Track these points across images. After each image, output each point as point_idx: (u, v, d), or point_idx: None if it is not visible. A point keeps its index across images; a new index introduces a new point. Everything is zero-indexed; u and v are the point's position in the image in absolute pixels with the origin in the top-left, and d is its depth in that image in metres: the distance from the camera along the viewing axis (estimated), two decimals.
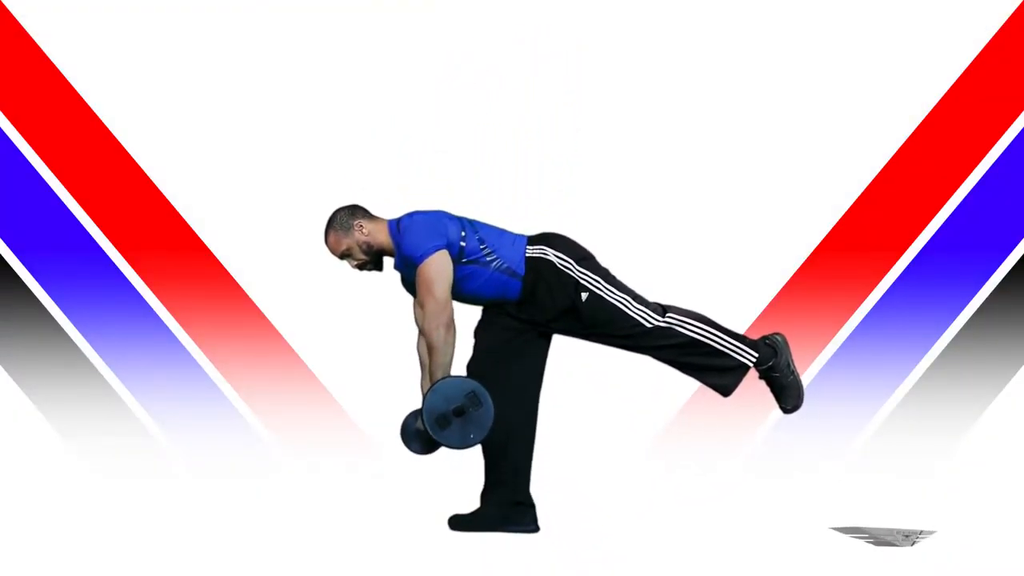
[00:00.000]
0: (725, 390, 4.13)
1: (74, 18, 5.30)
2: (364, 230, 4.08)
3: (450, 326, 3.93)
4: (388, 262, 4.17)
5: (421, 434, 4.06)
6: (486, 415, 3.86)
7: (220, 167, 5.37)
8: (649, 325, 4.04)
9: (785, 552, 3.86)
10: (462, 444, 3.89)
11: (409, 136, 5.28)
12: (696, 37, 5.40)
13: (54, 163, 5.30)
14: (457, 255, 3.98)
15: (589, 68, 5.42)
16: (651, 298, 4.11)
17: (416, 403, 4.12)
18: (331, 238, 4.10)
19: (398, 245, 4.03)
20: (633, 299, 4.06)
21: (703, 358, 4.07)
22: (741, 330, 5.19)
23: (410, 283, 4.08)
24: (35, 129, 5.29)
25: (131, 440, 5.21)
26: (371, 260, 4.10)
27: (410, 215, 4.05)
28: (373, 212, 4.14)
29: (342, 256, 4.12)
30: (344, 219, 4.09)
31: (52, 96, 5.28)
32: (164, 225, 5.32)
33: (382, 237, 4.07)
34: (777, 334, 4.17)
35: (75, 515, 4.49)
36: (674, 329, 4.05)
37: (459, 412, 3.86)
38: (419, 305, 3.97)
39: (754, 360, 4.09)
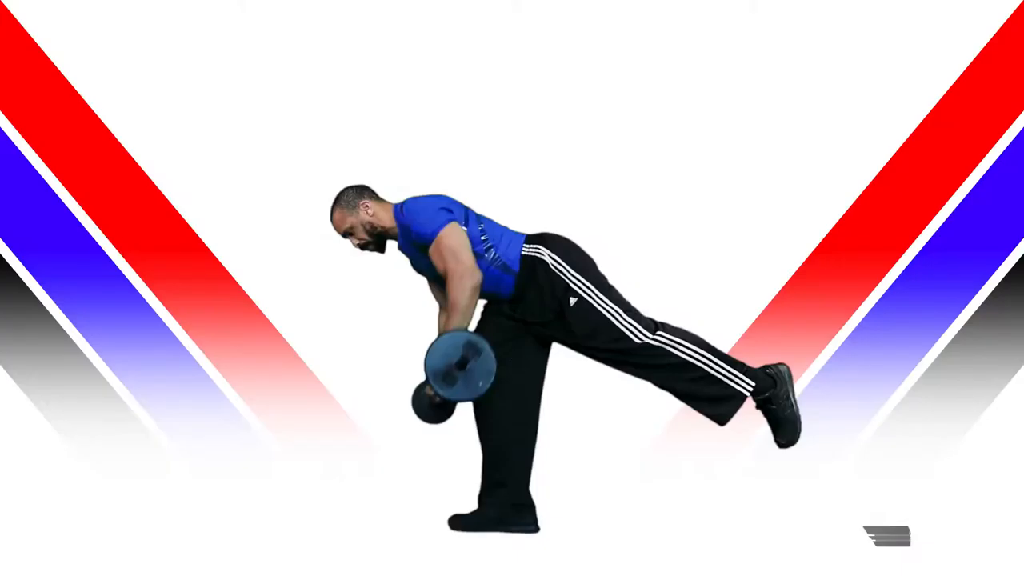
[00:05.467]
0: (720, 419, 4.02)
1: (74, 18, 5.30)
2: (369, 210, 4.08)
3: (476, 290, 3.92)
4: (391, 246, 4.16)
5: (431, 402, 4.05)
6: (488, 361, 3.85)
7: (220, 167, 5.37)
8: (638, 341, 3.96)
9: (785, 552, 3.86)
10: (472, 395, 3.89)
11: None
12: (695, 37, 5.40)
13: (54, 163, 5.30)
14: None
15: (587, 68, 5.42)
16: (647, 306, 4.06)
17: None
18: (336, 215, 4.11)
19: (404, 227, 4.02)
20: (625, 311, 3.98)
21: (696, 384, 3.97)
22: (742, 330, 5.25)
23: (420, 265, 4.07)
24: (35, 129, 5.29)
25: (131, 440, 5.21)
26: (373, 241, 4.11)
27: (414, 198, 4.06)
28: (381, 195, 4.15)
29: (345, 234, 4.12)
30: (351, 197, 4.10)
31: (52, 96, 5.28)
32: (164, 225, 5.33)
33: (386, 219, 4.08)
34: (781, 364, 4.06)
35: (75, 515, 4.49)
36: (665, 348, 3.96)
37: (462, 364, 3.86)
38: (445, 273, 3.93)
39: (751, 389, 3.98)
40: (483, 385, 3.87)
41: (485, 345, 3.86)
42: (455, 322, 3.89)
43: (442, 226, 3.94)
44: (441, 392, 3.87)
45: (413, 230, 3.98)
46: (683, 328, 4.03)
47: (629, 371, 4.04)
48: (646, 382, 4.06)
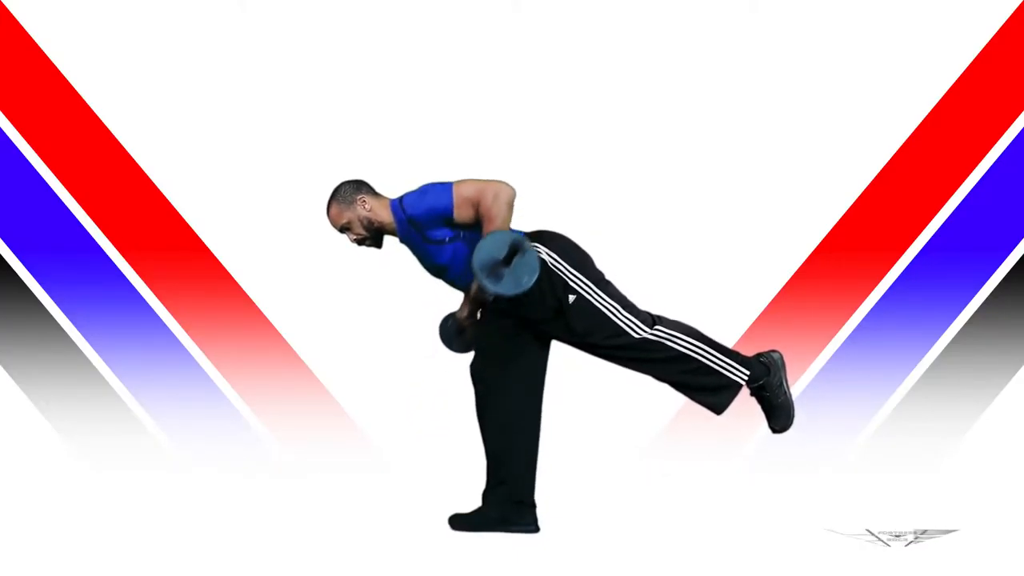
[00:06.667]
0: (716, 409, 4.03)
1: (74, 18, 5.31)
2: (367, 205, 4.08)
3: (512, 204, 3.93)
4: (388, 242, 4.16)
5: (459, 334, 4.19)
6: (531, 258, 3.87)
7: (220, 167, 5.37)
8: (636, 336, 3.96)
9: (785, 552, 3.86)
10: (518, 288, 3.87)
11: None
12: (695, 37, 5.40)
13: (54, 163, 5.30)
14: (456, 234, 3.98)
15: (587, 68, 5.42)
16: (648, 305, 4.06)
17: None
18: (333, 210, 4.11)
19: (407, 220, 4.00)
20: (623, 307, 3.98)
21: (692, 375, 3.98)
22: (742, 330, 5.25)
23: (422, 255, 4.06)
24: (35, 129, 5.29)
25: (131, 440, 5.22)
26: (370, 236, 4.10)
27: (410, 192, 4.05)
28: (378, 191, 4.15)
29: (342, 229, 4.12)
30: (348, 192, 4.09)
31: (52, 96, 5.29)
32: (164, 225, 5.33)
33: (384, 215, 4.07)
34: (774, 351, 4.06)
35: (75, 514, 4.49)
36: (662, 342, 3.96)
37: (507, 261, 3.87)
38: (478, 203, 3.93)
39: (746, 378, 3.99)
40: (527, 280, 3.87)
41: (528, 243, 3.88)
42: (490, 230, 3.91)
43: (451, 185, 3.96)
44: (490, 287, 3.87)
45: (422, 211, 3.97)
46: (679, 320, 4.04)
47: (627, 365, 4.05)
48: (644, 376, 4.06)
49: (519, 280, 3.87)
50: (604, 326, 3.97)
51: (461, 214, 3.96)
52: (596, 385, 4.97)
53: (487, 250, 3.87)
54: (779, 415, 4.07)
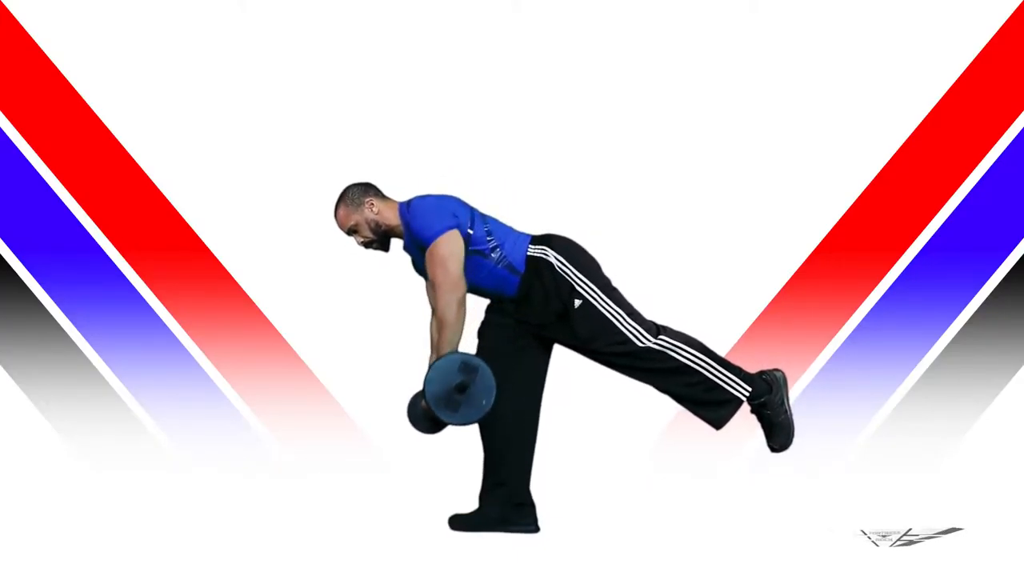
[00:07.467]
0: (716, 424, 4.03)
1: (74, 18, 5.30)
2: (374, 208, 4.07)
3: (462, 304, 3.91)
4: (395, 245, 4.16)
5: (427, 414, 4.03)
6: (486, 378, 3.85)
7: (220, 167, 5.37)
8: (640, 344, 3.95)
9: (785, 552, 3.87)
10: (479, 415, 3.88)
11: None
12: (695, 37, 5.40)
13: (54, 163, 5.30)
14: (463, 241, 3.97)
15: (587, 68, 5.42)
16: (648, 305, 4.05)
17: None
18: (340, 212, 4.10)
19: (407, 226, 4.02)
20: (628, 315, 3.97)
21: (694, 388, 3.98)
22: (742, 330, 5.25)
23: (421, 266, 4.07)
24: (35, 129, 5.29)
25: (131, 440, 5.22)
26: (378, 239, 4.10)
27: (421, 197, 4.05)
28: (387, 193, 4.14)
29: (349, 232, 4.12)
30: (356, 195, 4.09)
31: (52, 96, 5.28)
32: (164, 225, 5.33)
33: (391, 217, 4.07)
34: (776, 370, 4.06)
35: (74, 515, 4.49)
36: (666, 352, 3.95)
37: (461, 388, 3.85)
38: (431, 283, 3.94)
39: (747, 394, 3.99)
40: (486, 403, 3.87)
41: (480, 363, 3.87)
42: (446, 338, 3.90)
43: (441, 232, 3.93)
44: (448, 420, 3.88)
45: (413, 228, 3.98)
46: (683, 332, 4.03)
47: (629, 374, 4.04)
48: (645, 384, 4.06)
49: (478, 405, 3.86)
50: (608, 332, 3.97)
51: (426, 265, 3.97)
52: (597, 385, 4.96)
53: (438, 382, 3.84)
54: (779, 433, 4.06)
